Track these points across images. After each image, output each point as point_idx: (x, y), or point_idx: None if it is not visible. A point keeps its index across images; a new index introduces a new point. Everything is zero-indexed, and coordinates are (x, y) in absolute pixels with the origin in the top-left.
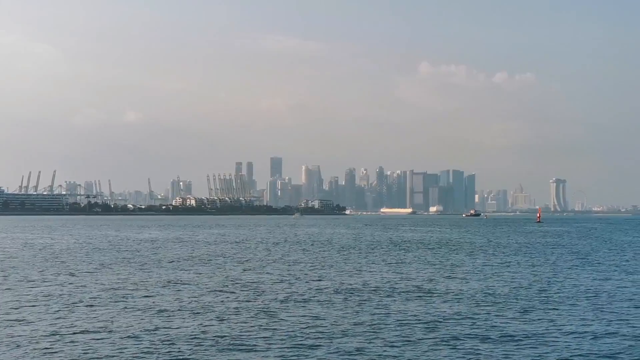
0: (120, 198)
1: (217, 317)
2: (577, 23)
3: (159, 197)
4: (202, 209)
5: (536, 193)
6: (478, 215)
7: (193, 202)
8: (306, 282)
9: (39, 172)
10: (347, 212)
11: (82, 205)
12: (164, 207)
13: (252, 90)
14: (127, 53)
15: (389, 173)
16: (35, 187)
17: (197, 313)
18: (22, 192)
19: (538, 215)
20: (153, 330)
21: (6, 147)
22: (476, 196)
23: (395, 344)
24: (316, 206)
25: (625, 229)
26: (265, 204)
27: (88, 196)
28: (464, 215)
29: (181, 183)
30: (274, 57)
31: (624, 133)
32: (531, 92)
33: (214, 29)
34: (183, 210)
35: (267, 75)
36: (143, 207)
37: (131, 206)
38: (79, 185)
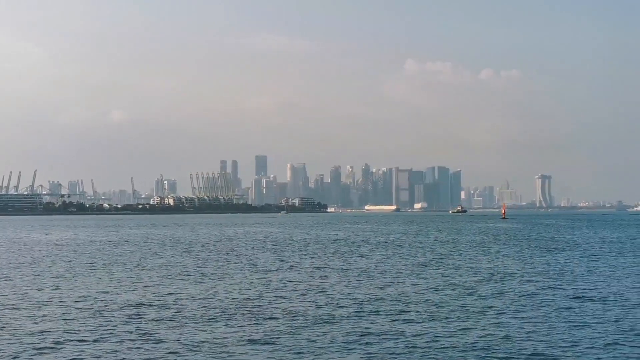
0: (104, 197)
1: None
2: (563, 20)
3: (143, 196)
4: (180, 207)
5: (522, 189)
6: (465, 211)
7: (171, 201)
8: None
9: (20, 171)
10: (332, 209)
11: (57, 205)
12: (140, 206)
13: (239, 89)
14: (113, 53)
15: (374, 170)
16: (16, 187)
17: None
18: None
19: (503, 211)
20: None
21: None
22: (462, 193)
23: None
24: (297, 204)
25: (584, 225)
26: (250, 202)
27: (63, 196)
28: (450, 211)
29: (165, 182)
30: (260, 56)
31: (610, 131)
32: (517, 89)
33: (201, 28)
34: (160, 209)
35: (254, 74)
36: (119, 206)
37: (107, 205)
38: (60, 184)
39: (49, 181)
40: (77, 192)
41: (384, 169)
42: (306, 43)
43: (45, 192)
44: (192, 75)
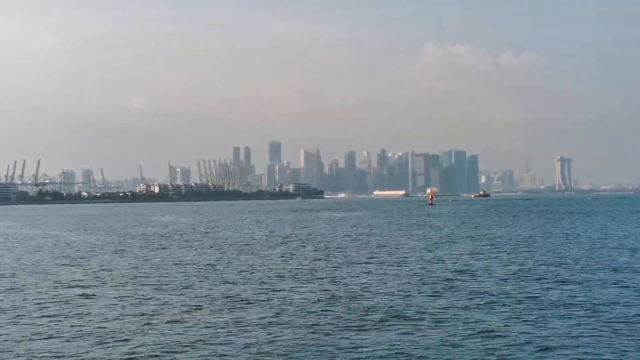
0: (113, 185)
1: None
2: (583, 3)
3: (155, 183)
4: (164, 195)
5: (543, 173)
6: (488, 196)
7: (156, 188)
8: None
9: (24, 161)
10: (343, 195)
11: (32, 194)
12: (121, 194)
13: (255, 78)
14: (129, 42)
15: (390, 155)
16: (21, 176)
17: None
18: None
19: (430, 196)
20: None
21: (6, 139)
22: (482, 177)
23: None
24: (291, 190)
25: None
26: (262, 188)
27: (38, 184)
28: (472, 196)
29: (178, 169)
30: (276, 43)
31: (631, 114)
32: (536, 72)
33: (216, 16)
34: (143, 197)
35: (269, 62)
36: (98, 195)
37: (85, 194)
38: (63, 173)
39: (63, 170)
40: (89, 180)
41: (400, 153)
42: (320, 28)
43: (46, 181)
44: (208, 64)
